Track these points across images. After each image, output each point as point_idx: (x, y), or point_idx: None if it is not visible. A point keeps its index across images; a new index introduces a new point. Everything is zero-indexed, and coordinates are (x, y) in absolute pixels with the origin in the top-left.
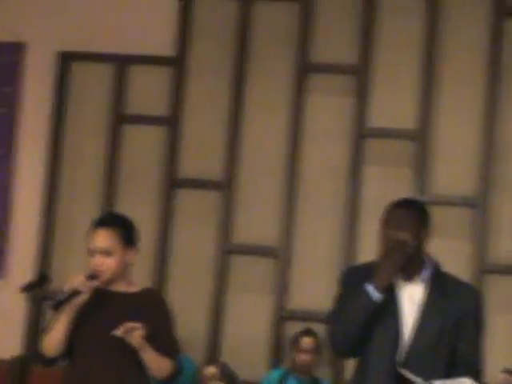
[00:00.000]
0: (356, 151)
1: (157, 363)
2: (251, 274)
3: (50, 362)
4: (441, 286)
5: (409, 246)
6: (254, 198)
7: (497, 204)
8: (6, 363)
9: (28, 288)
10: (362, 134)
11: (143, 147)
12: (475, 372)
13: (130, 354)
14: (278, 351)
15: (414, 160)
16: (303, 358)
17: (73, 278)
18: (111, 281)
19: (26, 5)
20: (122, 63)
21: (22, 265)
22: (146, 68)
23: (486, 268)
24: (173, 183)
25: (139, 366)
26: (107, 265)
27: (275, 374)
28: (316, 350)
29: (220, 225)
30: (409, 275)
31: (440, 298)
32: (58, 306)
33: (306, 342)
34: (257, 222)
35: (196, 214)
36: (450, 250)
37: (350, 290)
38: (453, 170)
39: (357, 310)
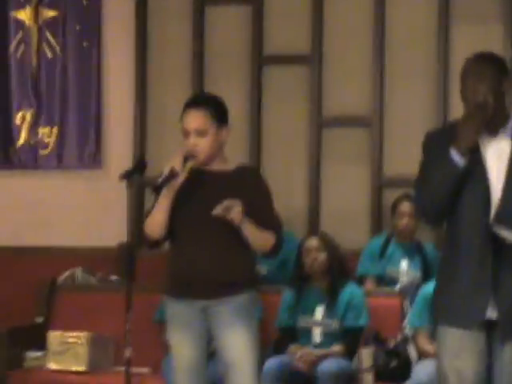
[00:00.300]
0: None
1: (259, 238)
2: (346, 146)
3: (153, 244)
4: None
5: (489, 102)
6: (343, 69)
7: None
8: (113, 250)
9: (127, 175)
10: None
11: (228, 27)
12: None
13: (234, 233)
14: (379, 219)
15: (502, 15)
16: (404, 222)
17: (171, 159)
18: (207, 160)
19: None
20: None
21: (119, 154)
22: None
23: None
24: (261, 60)
25: (243, 244)
26: (202, 145)
27: (377, 241)
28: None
29: (311, 98)
30: (492, 130)
31: None
32: (159, 188)
33: (406, 206)
34: (347, 93)
35: (286, 90)
36: (481, 36)
37: (433, 155)
38: None
39: (442, 176)
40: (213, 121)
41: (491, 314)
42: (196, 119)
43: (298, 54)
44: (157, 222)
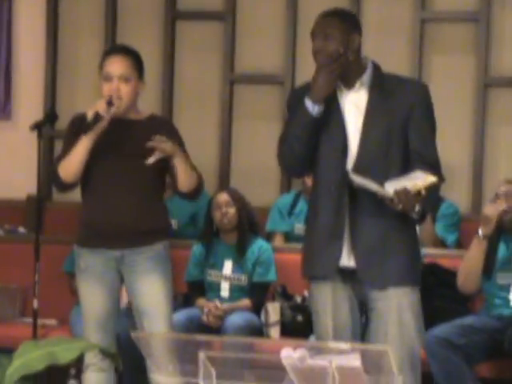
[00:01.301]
0: None
1: (186, 172)
2: (258, 103)
3: (66, 187)
4: (384, 87)
5: (337, 54)
6: (256, 26)
7: (498, 19)
8: (22, 202)
9: (38, 126)
10: None
11: None
12: (429, 164)
13: (148, 182)
14: (288, 177)
15: None
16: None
17: (94, 105)
18: (127, 109)
19: None
20: None
21: (29, 105)
22: None
23: (489, 82)
24: (173, 15)
25: (158, 193)
26: (125, 90)
27: (286, 198)
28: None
29: (224, 55)
30: (349, 82)
31: (384, 99)
32: (85, 129)
33: None
34: (260, 50)
35: (199, 46)
36: (455, 66)
37: (294, 111)
38: None
39: (297, 125)
40: (136, 71)
41: (348, 261)
42: (122, 65)
43: (211, 10)
44: (74, 164)
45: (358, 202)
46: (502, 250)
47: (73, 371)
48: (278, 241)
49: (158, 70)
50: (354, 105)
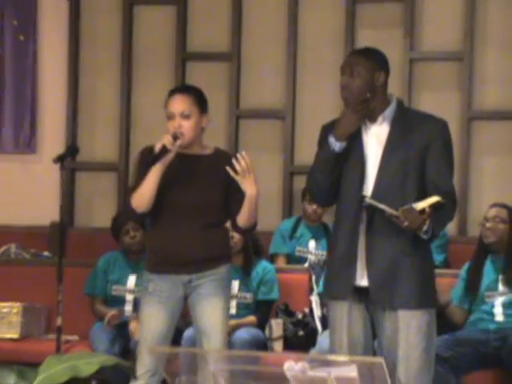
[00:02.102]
0: (349, 17)
1: (248, 213)
2: (261, 136)
3: (139, 216)
4: (405, 121)
5: (364, 95)
6: (259, 66)
7: (481, 57)
8: (46, 229)
9: (60, 159)
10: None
11: (155, 25)
12: (444, 192)
13: (212, 213)
14: (290, 203)
15: (404, 21)
16: (312, 207)
17: (162, 138)
18: (190, 142)
19: None
20: None
21: (52, 140)
22: None
23: (473, 115)
24: (184, 56)
25: (220, 222)
26: (186, 127)
27: (288, 223)
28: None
29: (230, 92)
30: (372, 116)
31: (404, 133)
32: (154, 161)
33: None
34: (263, 88)
35: (207, 84)
36: (440, 101)
37: (322, 145)
38: (439, 29)
39: (321, 160)
40: (196, 107)
41: (362, 281)
42: (182, 103)
43: (218, 52)
44: (145, 195)
45: (374, 227)
46: (489, 269)
47: (93, 382)
48: (281, 262)
49: None
50: (376, 137)
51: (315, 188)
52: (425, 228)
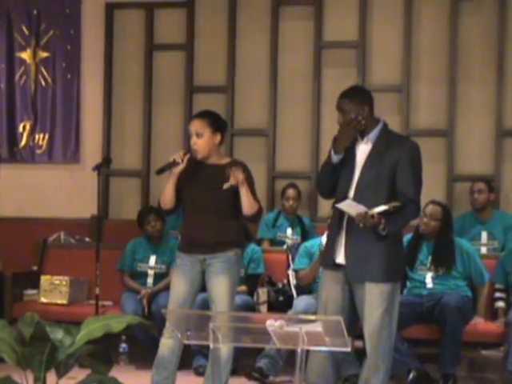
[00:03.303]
0: (317, 59)
1: (250, 200)
2: (250, 150)
3: (167, 212)
4: (385, 142)
5: (352, 120)
6: (248, 95)
7: (415, 89)
8: (87, 220)
9: (98, 168)
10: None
11: (168, 65)
12: (407, 199)
13: (225, 207)
14: (272, 199)
15: (357, 62)
16: (289, 203)
17: (175, 153)
18: (205, 155)
19: None
20: (149, 8)
21: (92, 153)
22: (167, 10)
23: (410, 133)
24: (191, 89)
25: (233, 214)
26: (200, 143)
27: (271, 215)
28: (297, 197)
29: (226, 115)
30: (362, 136)
31: (381, 151)
32: (159, 171)
33: (291, 192)
34: (251, 112)
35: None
36: None
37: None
38: (384, 68)
39: (324, 166)
40: (209, 127)
41: (339, 260)
42: (197, 124)
43: (217, 85)
44: (166, 198)
45: (352, 221)
46: (422, 251)
47: (123, 337)
48: (266, 245)
49: (181, 129)
50: (362, 153)
51: (320, 186)
52: (381, 227)
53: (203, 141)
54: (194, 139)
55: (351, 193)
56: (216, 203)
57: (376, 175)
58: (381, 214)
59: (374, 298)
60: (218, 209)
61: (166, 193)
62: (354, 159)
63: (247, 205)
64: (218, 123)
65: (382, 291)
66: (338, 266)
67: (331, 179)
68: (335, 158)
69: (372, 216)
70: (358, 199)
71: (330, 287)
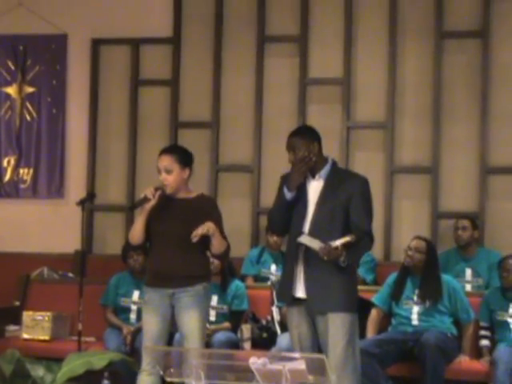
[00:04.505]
0: (302, 95)
1: (219, 242)
2: (235, 186)
3: (135, 247)
4: (336, 178)
5: (303, 157)
6: (233, 130)
7: (399, 126)
8: (71, 255)
9: (81, 202)
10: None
11: (154, 101)
12: (361, 231)
13: (192, 244)
14: (257, 236)
15: (342, 98)
16: (273, 239)
17: (146, 189)
18: (174, 191)
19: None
20: (135, 44)
21: (76, 188)
22: (153, 46)
23: (394, 169)
24: (176, 125)
25: (199, 249)
26: (169, 179)
27: (255, 251)
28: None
29: (211, 151)
30: (313, 174)
31: (334, 187)
32: (132, 207)
33: None
34: (236, 148)
35: (193, 146)
36: (370, 159)
37: (280, 190)
38: (368, 105)
39: (278, 203)
40: (177, 163)
41: (299, 294)
42: (165, 160)
43: (202, 121)
44: (135, 233)
45: (310, 255)
46: (408, 285)
47: (106, 374)
48: (250, 281)
49: None
50: (314, 190)
51: (273, 223)
52: (342, 259)
53: (172, 177)
54: (163, 175)
55: (306, 228)
56: (184, 237)
57: (331, 210)
58: (342, 246)
59: (338, 328)
60: (187, 243)
61: (135, 228)
62: (306, 196)
63: (217, 246)
64: (186, 159)
65: (344, 321)
66: (298, 300)
67: (285, 216)
68: (289, 195)
69: (336, 248)
70: (314, 234)
71: (299, 322)
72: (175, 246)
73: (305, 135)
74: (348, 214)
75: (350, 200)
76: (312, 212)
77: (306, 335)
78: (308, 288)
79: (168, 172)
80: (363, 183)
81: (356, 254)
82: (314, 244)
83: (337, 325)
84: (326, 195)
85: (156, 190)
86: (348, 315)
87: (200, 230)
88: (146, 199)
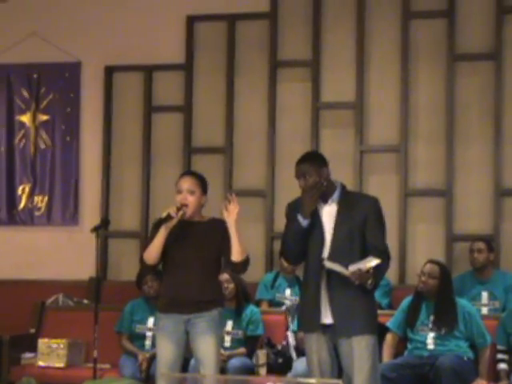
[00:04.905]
0: (315, 120)
1: (240, 244)
2: (248, 210)
3: (149, 268)
4: (348, 201)
5: (314, 183)
6: (246, 155)
7: (413, 150)
8: (86, 282)
9: (96, 229)
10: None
11: (167, 127)
12: (379, 251)
13: (207, 265)
14: (271, 260)
15: (355, 123)
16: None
17: (168, 208)
18: (193, 214)
19: (80, 33)
20: (148, 71)
21: (90, 214)
22: (165, 73)
23: (409, 193)
24: (189, 150)
25: (214, 273)
26: (191, 200)
27: (269, 276)
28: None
29: (224, 177)
30: (325, 199)
31: (348, 210)
32: (158, 224)
33: None
34: (249, 172)
35: (207, 171)
36: (383, 182)
37: (290, 219)
38: (381, 128)
39: (293, 232)
40: (199, 187)
41: (326, 320)
42: (189, 181)
43: (215, 146)
44: (153, 251)
45: (331, 280)
46: (423, 311)
47: None
48: (264, 306)
49: None
50: (329, 215)
51: (289, 252)
52: (369, 282)
53: (194, 198)
54: (184, 195)
55: (325, 253)
56: (201, 261)
57: (349, 233)
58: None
59: (362, 351)
60: (203, 267)
61: (153, 247)
62: (321, 221)
63: (237, 249)
64: (205, 186)
65: (368, 344)
66: (324, 327)
67: (301, 244)
68: (305, 223)
69: (367, 271)
70: (334, 258)
71: (319, 347)
72: (191, 270)
73: (314, 161)
74: (364, 235)
75: (365, 221)
76: (330, 237)
77: (326, 360)
78: (334, 312)
79: (191, 193)
80: (375, 203)
81: (379, 275)
82: (342, 269)
83: (362, 348)
84: (342, 219)
85: (178, 209)
86: (371, 337)
87: (231, 215)
88: (169, 217)
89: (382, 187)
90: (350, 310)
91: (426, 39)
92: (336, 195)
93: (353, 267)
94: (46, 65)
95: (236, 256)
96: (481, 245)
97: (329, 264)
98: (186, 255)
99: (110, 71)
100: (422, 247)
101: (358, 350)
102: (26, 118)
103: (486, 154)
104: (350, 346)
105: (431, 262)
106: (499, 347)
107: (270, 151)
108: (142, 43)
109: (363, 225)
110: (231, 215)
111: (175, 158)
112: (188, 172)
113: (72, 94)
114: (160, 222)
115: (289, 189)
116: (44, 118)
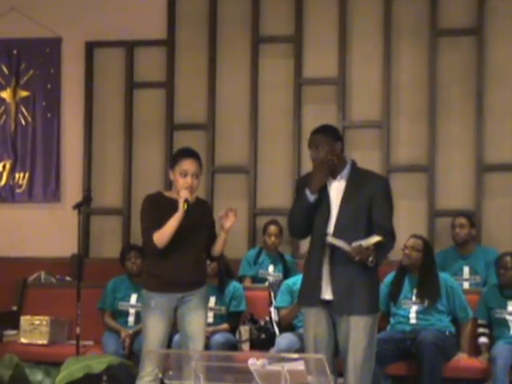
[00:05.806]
0: (297, 96)
1: (223, 246)
2: (231, 187)
3: (157, 250)
4: (357, 178)
5: (327, 159)
6: (229, 132)
7: (395, 125)
8: (68, 259)
9: (78, 206)
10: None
11: (149, 103)
12: (384, 230)
13: (198, 246)
14: (254, 236)
15: (337, 99)
16: (271, 239)
17: (183, 192)
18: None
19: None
20: (129, 47)
21: (72, 191)
22: (147, 48)
23: (391, 169)
24: (172, 127)
25: (202, 253)
26: (195, 184)
27: (252, 252)
28: (279, 234)
29: (207, 153)
30: (334, 175)
31: (356, 187)
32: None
33: (272, 228)
34: (232, 149)
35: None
36: (366, 158)
37: (299, 193)
38: (363, 104)
39: (299, 206)
40: (201, 169)
41: (327, 296)
42: (196, 165)
43: (197, 123)
44: (165, 236)
45: (334, 256)
46: (406, 284)
47: (104, 378)
48: (247, 282)
49: (162, 167)
50: (336, 191)
51: (295, 227)
52: (370, 259)
53: (197, 182)
54: (190, 179)
55: (330, 229)
56: (195, 242)
57: (355, 210)
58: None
59: (360, 331)
60: (197, 247)
61: (168, 230)
62: (328, 197)
63: (220, 249)
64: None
65: (366, 324)
66: (324, 302)
67: (307, 219)
68: (312, 198)
69: (367, 248)
70: (338, 234)
71: (317, 322)
72: (187, 251)
73: (329, 133)
74: (370, 213)
75: (372, 200)
76: (336, 213)
77: (322, 336)
78: (335, 289)
79: (196, 177)
80: (385, 183)
81: (382, 253)
82: (343, 244)
83: (359, 327)
84: (349, 196)
85: (186, 201)
86: (370, 317)
87: (229, 223)
88: (188, 201)
89: (365, 163)
90: (350, 287)
91: (409, 14)
92: (346, 172)
93: (355, 244)
94: (26, 40)
95: (217, 252)
96: (462, 220)
97: (331, 239)
98: (180, 236)
99: (90, 47)
100: (404, 223)
101: (355, 329)
102: (6, 94)
103: (468, 129)
104: (348, 324)
105: (415, 236)
106: (480, 321)
107: (253, 127)
108: (123, 19)
109: (370, 203)
110: (229, 223)
111: (157, 134)
112: (192, 153)
113: (53, 69)
114: (156, 201)
115: (271, 165)
116: (24, 94)
